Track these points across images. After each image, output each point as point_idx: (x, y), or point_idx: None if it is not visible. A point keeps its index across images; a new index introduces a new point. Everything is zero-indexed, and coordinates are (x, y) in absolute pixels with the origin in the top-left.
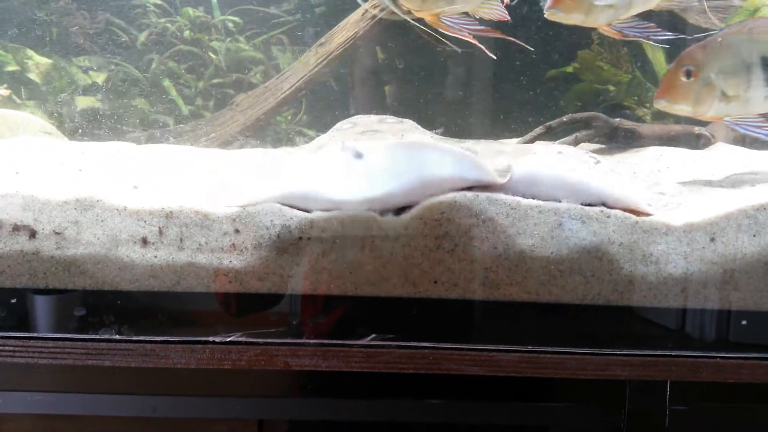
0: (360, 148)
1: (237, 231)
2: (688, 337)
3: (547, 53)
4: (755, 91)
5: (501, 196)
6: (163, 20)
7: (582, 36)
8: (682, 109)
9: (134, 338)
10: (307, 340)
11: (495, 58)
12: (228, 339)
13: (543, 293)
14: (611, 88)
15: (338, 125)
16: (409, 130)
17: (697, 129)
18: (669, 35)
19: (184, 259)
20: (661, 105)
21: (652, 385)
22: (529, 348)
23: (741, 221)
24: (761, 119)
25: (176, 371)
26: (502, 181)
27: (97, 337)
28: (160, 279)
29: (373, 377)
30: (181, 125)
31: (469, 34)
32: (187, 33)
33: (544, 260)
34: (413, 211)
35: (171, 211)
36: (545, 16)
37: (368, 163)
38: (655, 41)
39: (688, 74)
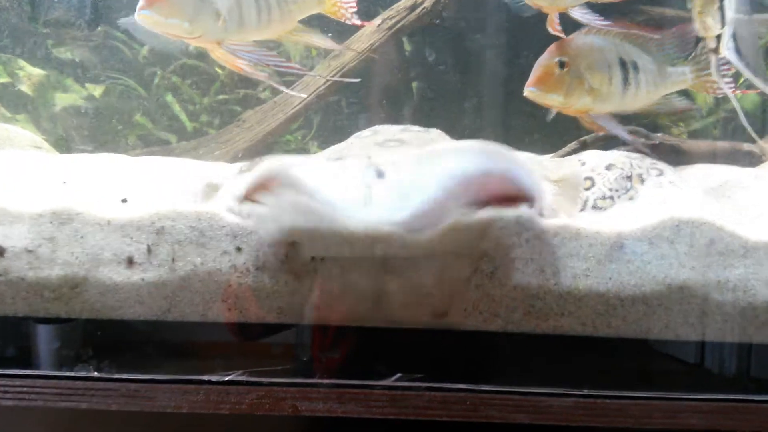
0: (382, 167)
1: (238, 249)
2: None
3: None
4: (614, 88)
5: None
6: None
7: None
8: (554, 99)
9: (116, 376)
10: (320, 380)
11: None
12: (226, 378)
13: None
14: None
15: (358, 134)
16: (437, 140)
17: (746, 146)
18: None
19: (176, 282)
20: (532, 94)
21: None
22: (585, 392)
23: None
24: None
25: (165, 415)
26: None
27: (72, 374)
28: (148, 305)
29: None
30: (184, 142)
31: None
32: (191, 47)
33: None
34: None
35: (162, 227)
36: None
37: (391, 182)
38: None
39: (562, 65)
